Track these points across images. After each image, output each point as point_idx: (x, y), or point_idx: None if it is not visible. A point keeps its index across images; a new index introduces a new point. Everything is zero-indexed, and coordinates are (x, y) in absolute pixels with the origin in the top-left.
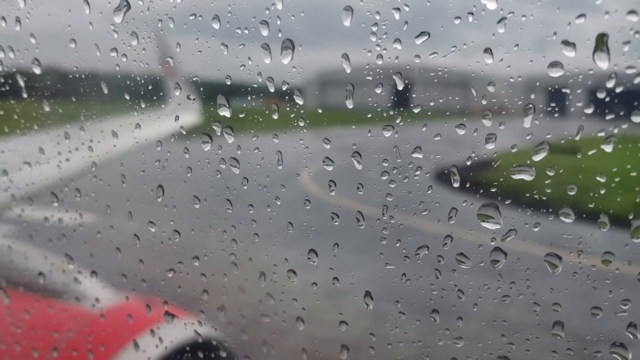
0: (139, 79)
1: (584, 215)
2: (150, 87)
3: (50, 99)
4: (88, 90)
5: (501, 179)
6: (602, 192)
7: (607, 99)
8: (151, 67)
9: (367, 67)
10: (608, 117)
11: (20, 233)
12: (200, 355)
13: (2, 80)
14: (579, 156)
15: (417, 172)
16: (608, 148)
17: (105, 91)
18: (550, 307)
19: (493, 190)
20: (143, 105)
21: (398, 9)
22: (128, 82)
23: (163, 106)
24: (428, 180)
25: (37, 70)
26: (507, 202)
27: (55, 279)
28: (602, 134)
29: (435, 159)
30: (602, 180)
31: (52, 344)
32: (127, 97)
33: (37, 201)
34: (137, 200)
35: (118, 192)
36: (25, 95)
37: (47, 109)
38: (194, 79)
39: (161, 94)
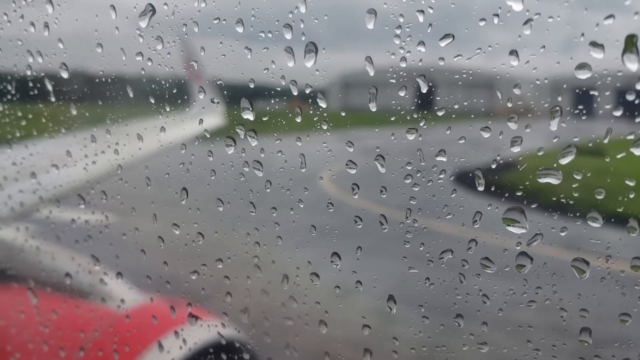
0: (163, 82)
1: (613, 220)
2: (174, 91)
3: (78, 102)
4: (114, 93)
5: (527, 183)
6: (632, 196)
7: (637, 101)
8: (176, 70)
9: (390, 69)
10: (637, 120)
11: (48, 234)
12: (224, 357)
13: (31, 85)
14: (607, 159)
15: (441, 176)
16: (637, 151)
17: (131, 95)
18: (577, 313)
19: (519, 193)
20: (168, 109)
21: (422, 11)
22: (153, 86)
23: (187, 109)
24: (452, 184)
25: (65, 75)
26: (533, 206)
27: (82, 279)
28: (632, 136)
29: (460, 162)
30: (632, 184)
31: (78, 344)
32: (152, 101)
33: (65, 203)
34: (162, 202)
35: (143, 195)
36: (53, 99)
37: (74, 112)
38: (218, 83)
39: (185, 97)
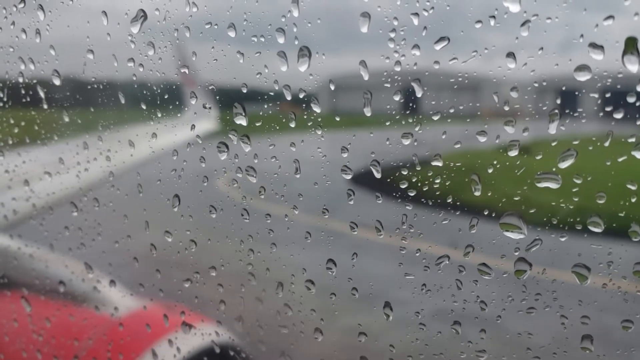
0: (155, 88)
1: (614, 225)
2: (166, 96)
3: (69, 109)
4: (106, 100)
5: (525, 187)
6: (633, 200)
7: (638, 103)
8: (167, 76)
9: (385, 73)
10: (639, 122)
11: (41, 242)
12: None
13: (24, 92)
14: (608, 163)
15: (437, 180)
16: (639, 154)
17: (123, 101)
18: (578, 320)
19: (517, 198)
20: (159, 115)
21: (416, 14)
22: (145, 92)
23: (179, 115)
24: (448, 189)
25: (57, 81)
26: (532, 210)
27: (75, 287)
28: (633, 139)
29: (456, 167)
30: (633, 187)
31: (72, 352)
32: (144, 107)
33: (58, 210)
34: (154, 209)
35: (135, 202)
36: (45, 106)
37: (66, 119)
38: (210, 88)
39: (177, 102)
